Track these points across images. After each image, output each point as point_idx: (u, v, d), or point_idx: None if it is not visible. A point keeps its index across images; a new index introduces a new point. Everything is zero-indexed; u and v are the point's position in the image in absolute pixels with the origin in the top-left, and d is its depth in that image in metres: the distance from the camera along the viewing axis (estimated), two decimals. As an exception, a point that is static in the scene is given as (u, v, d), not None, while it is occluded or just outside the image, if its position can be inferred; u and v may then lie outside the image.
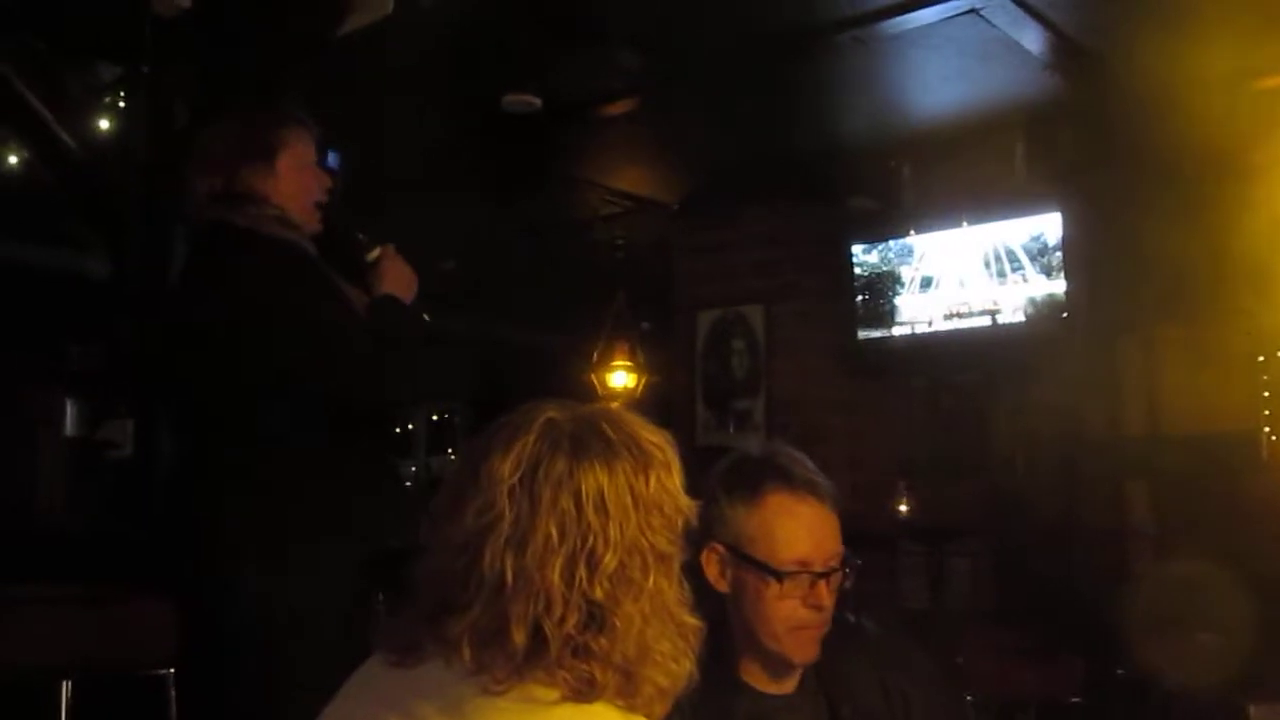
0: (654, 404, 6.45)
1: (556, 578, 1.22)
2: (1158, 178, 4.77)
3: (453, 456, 10.03)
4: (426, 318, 2.72)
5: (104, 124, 4.38)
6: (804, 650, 1.79)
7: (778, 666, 1.83)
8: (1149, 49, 4.10)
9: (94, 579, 3.32)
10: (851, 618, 1.94)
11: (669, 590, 1.30)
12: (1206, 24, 3.68)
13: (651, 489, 1.29)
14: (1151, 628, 4.13)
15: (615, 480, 1.27)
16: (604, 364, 6.80)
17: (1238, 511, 4.54)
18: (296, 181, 2.65)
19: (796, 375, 5.75)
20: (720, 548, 1.81)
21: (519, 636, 1.21)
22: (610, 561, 1.24)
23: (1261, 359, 4.82)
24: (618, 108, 4.83)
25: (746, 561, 1.78)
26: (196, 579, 2.48)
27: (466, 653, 1.22)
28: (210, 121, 2.79)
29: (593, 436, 1.29)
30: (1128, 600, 4.45)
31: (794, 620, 1.77)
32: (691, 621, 1.32)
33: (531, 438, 1.28)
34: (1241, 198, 4.44)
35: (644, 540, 1.27)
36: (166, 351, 2.72)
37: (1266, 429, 4.77)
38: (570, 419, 1.31)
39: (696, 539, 1.44)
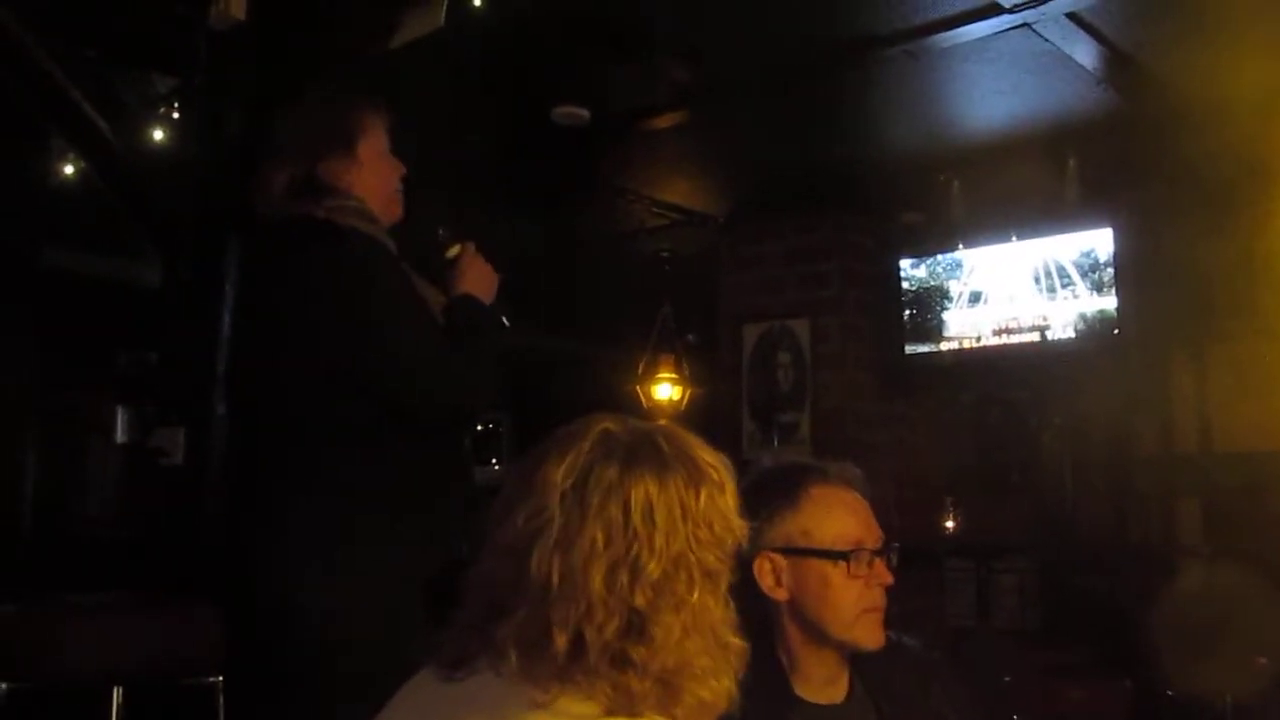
0: (699, 417, 6.45)
1: (599, 582, 1.23)
2: (1210, 193, 4.72)
3: (497, 467, 10.04)
4: (506, 321, 2.62)
5: (158, 134, 4.42)
6: (873, 634, 1.85)
7: (833, 670, 1.87)
8: (1202, 64, 4.06)
9: (144, 586, 3.35)
10: (893, 635, 1.95)
11: (714, 608, 1.30)
12: (1260, 39, 3.64)
13: (702, 505, 1.30)
14: (1203, 649, 4.07)
15: (666, 492, 1.28)
16: (649, 376, 6.80)
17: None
18: (377, 170, 2.57)
19: (842, 389, 5.72)
20: (773, 555, 1.85)
21: (561, 641, 1.22)
22: (654, 571, 1.25)
23: (1316, 377, 4.75)
24: (666, 120, 4.83)
25: (807, 555, 1.84)
26: (251, 584, 2.44)
27: (513, 657, 1.24)
28: (285, 110, 2.70)
29: (647, 449, 1.31)
30: (1178, 620, 4.39)
31: (864, 602, 1.83)
32: (736, 642, 1.32)
33: (586, 446, 1.30)
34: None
35: (690, 554, 1.28)
36: (233, 350, 2.66)
37: (1319, 448, 4.70)
38: (627, 432, 1.33)
39: (743, 560, 1.45)
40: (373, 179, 2.56)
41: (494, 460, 10.19)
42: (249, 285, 2.77)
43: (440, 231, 2.64)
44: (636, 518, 1.26)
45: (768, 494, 1.86)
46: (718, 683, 1.29)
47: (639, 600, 1.24)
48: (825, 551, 1.82)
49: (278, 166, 2.51)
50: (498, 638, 1.25)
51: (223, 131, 3.84)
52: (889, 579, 1.85)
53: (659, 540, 1.26)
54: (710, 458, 1.34)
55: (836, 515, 1.86)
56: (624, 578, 1.24)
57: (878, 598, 1.84)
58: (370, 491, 2.35)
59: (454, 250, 2.60)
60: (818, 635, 1.85)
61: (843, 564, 1.81)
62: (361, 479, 2.35)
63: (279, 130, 2.60)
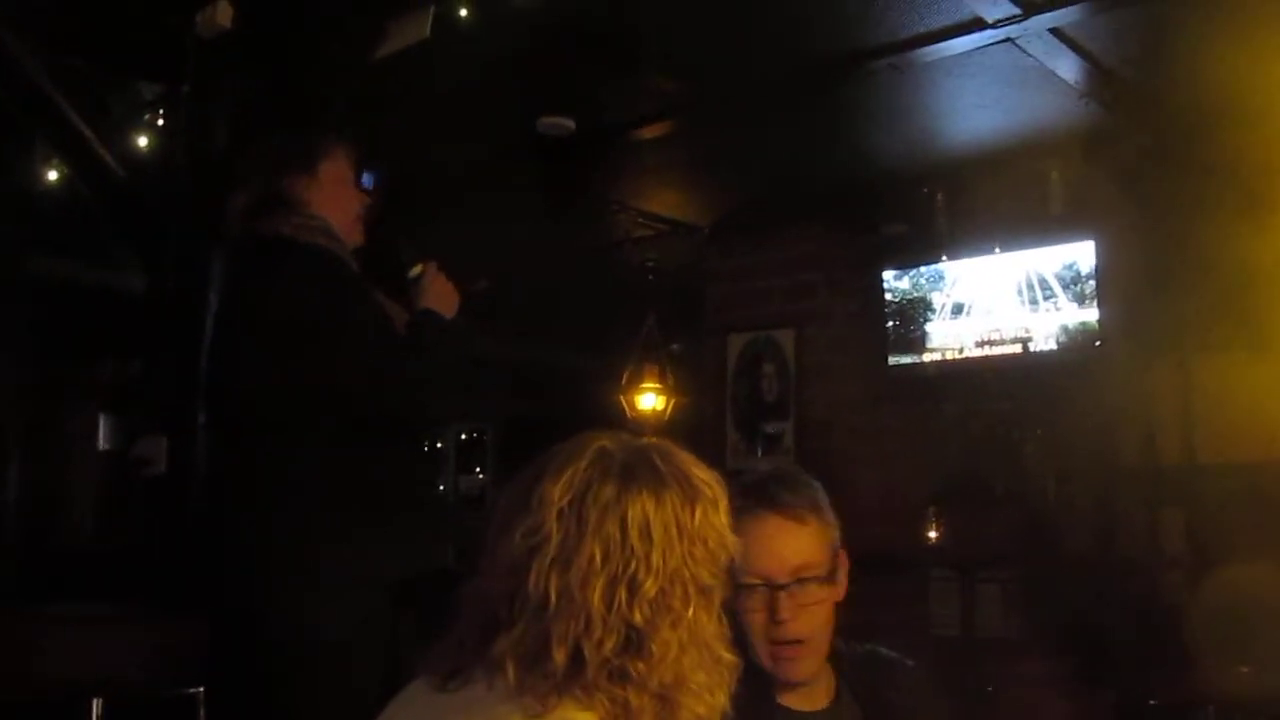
0: (684, 426, 6.45)
1: (597, 599, 1.25)
2: (1192, 207, 4.75)
3: (481, 476, 10.03)
4: (468, 334, 2.71)
5: (143, 142, 4.41)
6: (784, 666, 1.83)
7: (778, 683, 1.86)
8: (1184, 79, 4.10)
9: (127, 596, 3.34)
10: (861, 646, 1.98)
11: (708, 623, 1.32)
12: (1242, 54, 3.67)
13: (697, 522, 1.32)
14: (1186, 658, 4.09)
15: (662, 510, 1.30)
16: (634, 385, 6.79)
17: (1272, 541, 4.50)
18: (338, 194, 2.65)
19: (827, 400, 5.74)
20: None
21: (560, 656, 1.24)
22: (651, 587, 1.27)
23: (1296, 389, 4.78)
24: (652, 131, 4.84)
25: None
26: (232, 595, 2.47)
27: (511, 672, 1.25)
28: (250, 136, 2.80)
29: (643, 467, 1.33)
30: (1161, 631, 4.41)
31: (765, 634, 1.80)
32: (729, 657, 1.34)
33: (583, 464, 1.32)
34: (1277, 226, 4.42)
35: (686, 570, 1.30)
36: (209, 366, 2.73)
37: (1302, 459, 4.72)
38: (622, 449, 1.35)
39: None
40: (333, 202, 2.65)
41: (478, 469, 10.19)
42: (220, 302, 2.84)
43: (402, 252, 2.74)
44: (634, 535, 1.28)
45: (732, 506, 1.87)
46: (712, 698, 1.31)
47: (637, 617, 1.26)
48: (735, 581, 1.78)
49: (245, 186, 2.63)
50: (495, 652, 1.27)
51: (209, 139, 3.84)
52: (783, 619, 1.79)
53: (656, 557, 1.28)
54: (704, 474, 1.37)
55: (748, 543, 1.75)
56: (622, 594, 1.26)
57: (777, 631, 1.79)
58: (339, 500, 2.42)
59: (416, 270, 2.70)
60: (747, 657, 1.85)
61: (742, 597, 1.76)
62: (330, 488, 2.42)
63: (246, 154, 2.69)
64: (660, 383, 6.77)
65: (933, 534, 5.40)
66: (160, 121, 4.31)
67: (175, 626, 3.09)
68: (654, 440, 1.40)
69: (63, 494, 6.03)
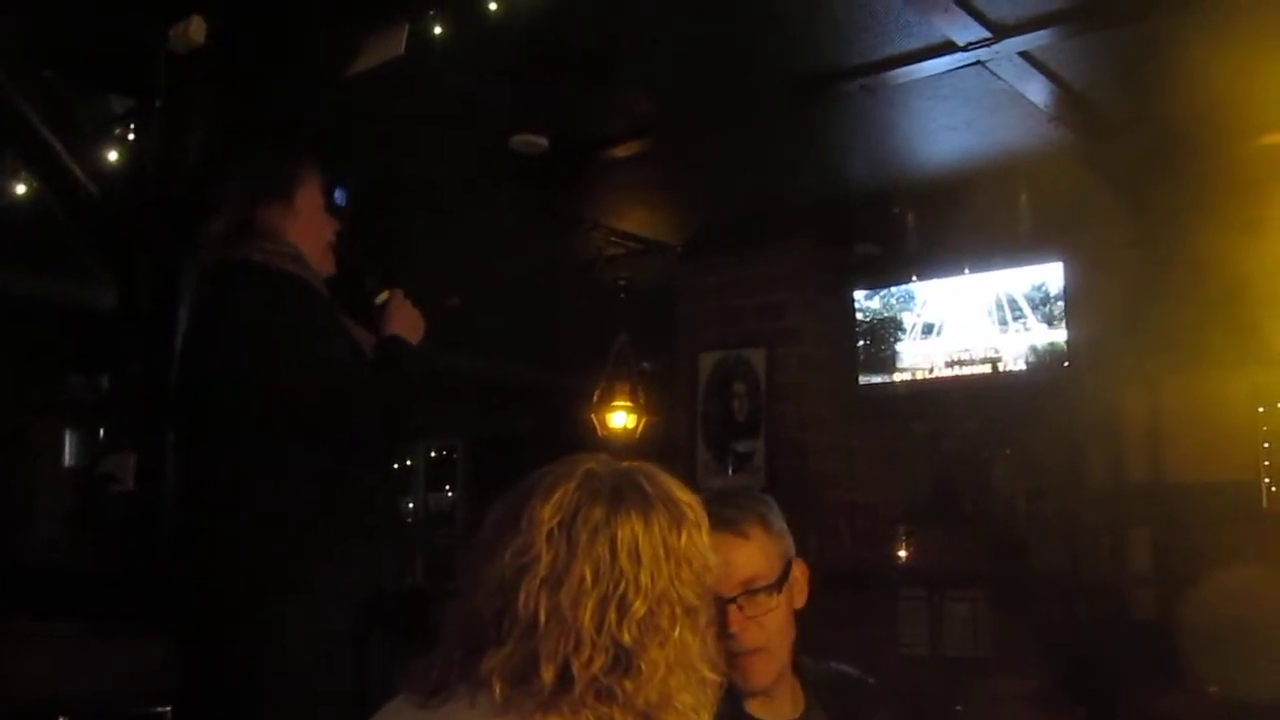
0: (655, 445, 6.44)
1: (588, 619, 1.27)
2: (1160, 229, 4.80)
3: (451, 494, 9.99)
4: (433, 360, 2.78)
5: (114, 156, 4.38)
6: (744, 675, 1.86)
7: (757, 692, 1.90)
8: (1150, 102, 4.15)
9: (94, 614, 3.30)
10: (823, 663, 2.03)
11: (693, 643, 1.34)
12: (1211, 78, 3.72)
13: (683, 543, 1.34)
14: (1156, 675, 4.12)
15: (650, 532, 1.32)
16: (605, 403, 6.78)
17: (1239, 560, 4.54)
18: (312, 222, 2.69)
19: (797, 419, 5.75)
20: None
21: (548, 674, 1.25)
22: (640, 608, 1.29)
23: (1261, 409, 4.84)
24: (625, 150, 4.86)
25: None
26: (198, 615, 2.47)
27: (497, 690, 1.26)
28: (225, 161, 2.81)
29: (631, 489, 1.35)
30: (1130, 648, 4.44)
31: (727, 646, 1.81)
32: (712, 677, 1.36)
33: (572, 486, 1.34)
34: (1246, 249, 4.47)
35: (673, 591, 1.32)
36: (177, 385, 2.74)
37: (1266, 479, 4.78)
38: (610, 472, 1.37)
39: None
40: (307, 230, 2.70)
41: (447, 487, 10.15)
42: (188, 323, 2.86)
43: (369, 280, 2.80)
44: (623, 556, 1.29)
45: None
46: (697, 717, 1.33)
47: (626, 637, 1.27)
48: None
49: (218, 213, 2.65)
50: (482, 670, 1.27)
51: (180, 154, 3.82)
52: (734, 628, 1.82)
53: (645, 578, 1.30)
54: (687, 497, 1.39)
55: None
56: (612, 615, 1.27)
57: (738, 645, 1.83)
58: (307, 515, 2.43)
59: (383, 297, 2.76)
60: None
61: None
62: (298, 504, 2.43)
63: (219, 179, 2.72)
64: (632, 401, 6.76)
65: (903, 552, 5.43)
66: (131, 136, 4.28)
67: (143, 645, 3.06)
68: (638, 463, 1.42)
69: (29, 510, 5.96)
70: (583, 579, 1.27)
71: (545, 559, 1.28)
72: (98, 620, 3.31)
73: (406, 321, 2.73)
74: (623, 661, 1.27)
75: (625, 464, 1.40)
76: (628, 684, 1.27)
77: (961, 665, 5.08)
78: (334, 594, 2.42)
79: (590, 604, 1.27)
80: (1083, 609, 4.91)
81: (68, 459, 6.16)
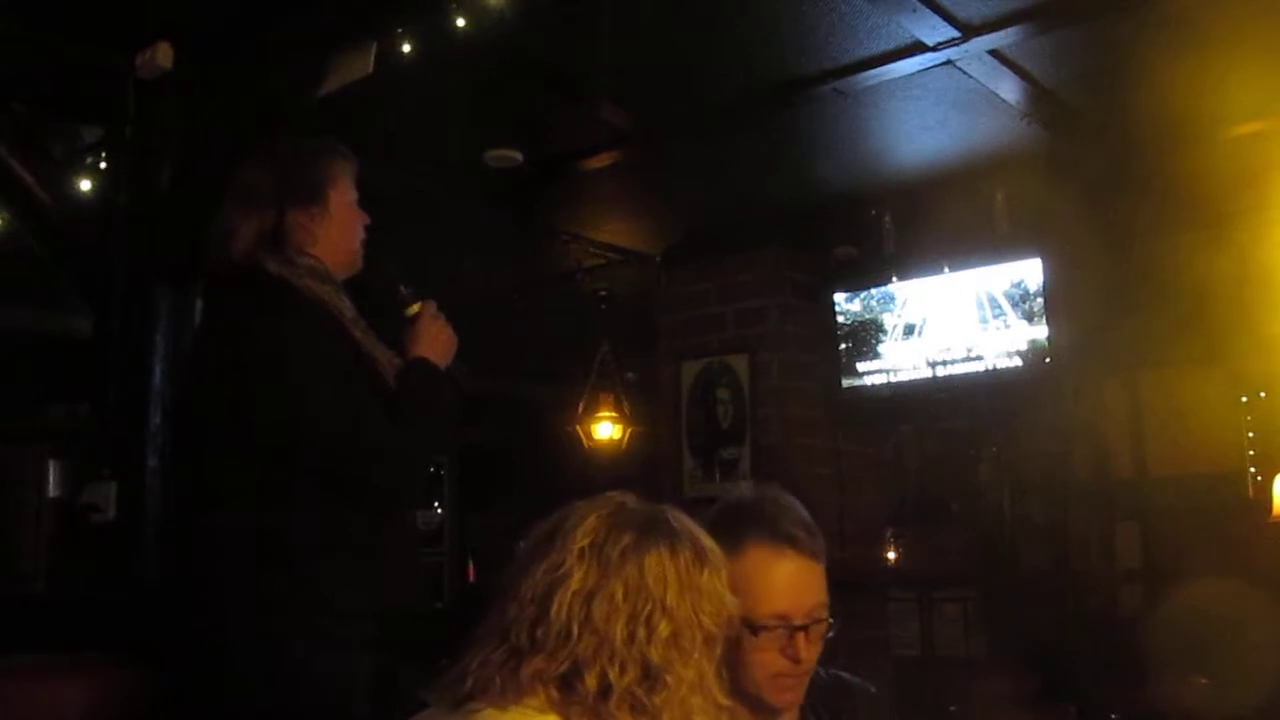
0: (641, 455, 6.44)
1: (619, 632, 1.36)
2: (1137, 224, 4.81)
3: (439, 511, 9.94)
4: (460, 384, 2.59)
5: (85, 185, 4.36)
6: (783, 696, 1.82)
7: (764, 710, 1.85)
8: (1125, 99, 4.16)
9: (76, 646, 3.27)
10: (834, 672, 1.99)
11: (709, 670, 1.43)
12: (1180, 74, 3.74)
13: (705, 580, 1.44)
14: (1145, 671, 4.12)
15: (676, 561, 1.43)
16: (589, 415, 6.79)
17: (1226, 552, 4.55)
18: (345, 221, 2.54)
19: (782, 424, 5.75)
20: None
21: (591, 682, 1.35)
22: (665, 629, 1.38)
23: (1244, 400, 4.85)
24: (600, 161, 4.85)
25: None
26: (192, 646, 2.39)
27: (543, 695, 1.36)
28: (251, 156, 2.59)
29: (660, 523, 1.47)
30: (1120, 644, 4.44)
31: (771, 669, 1.79)
32: (725, 703, 1.46)
33: (605, 513, 1.46)
34: (1221, 243, 4.49)
35: (695, 618, 1.41)
36: (181, 396, 2.61)
37: (1251, 469, 4.79)
38: (640, 508, 1.49)
39: None
40: (339, 232, 2.53)
41: (436, 504, 10.10)
42: (197, 338, 2.72)
43: (402, 289, 2.60)
44: (650, 579, 1.40)
45: (717, 532, 1.83)
46: None
47: (654, 654, 1.37)
48: (742, 617, 1.71)
49: (245, 216, 2.46)
50: (523, 675, 1.36)
51: (151, 182, 3.79)
52: (801, 659, 1.77)
53: (671, 600, 1.40)
54: (709, 542, 1.50)
55: (765, 583, 1.76)
56: (641, 631, 1.37)
57: (789, 668, 1.77)
58: (304, 545, 2.33)
59: (414, 309, 2.57)
60: (732, 683, 1.83)
61: (751, 636, 1.74)
62: (297, 540, 2.32)
63: (247, 179, 2.53)
64: (616, 411, 6.76)
65: (891, 554, 5.43)
66: (101, 165, 4.26)
67: (126, 676, 3.02)
68: (666, 505, 1.52)
69: (12, 541, 5.93)
70: (613, 595, 1.37)
71: (577, 574, 1.38)
72: (78, 653, 3.27)
73: (437, 340, 2.55)
74: (651, 676, 1.36)
75: (654, 504, 1.51)
76: (655, 699, 1.35)
77: (952, 665, 5.09)
78: (340, 614, 2.33)
79: (621, 619, 1.36)
80: (1072, 605, 4.90)
81: (52, 490, 6.12)
